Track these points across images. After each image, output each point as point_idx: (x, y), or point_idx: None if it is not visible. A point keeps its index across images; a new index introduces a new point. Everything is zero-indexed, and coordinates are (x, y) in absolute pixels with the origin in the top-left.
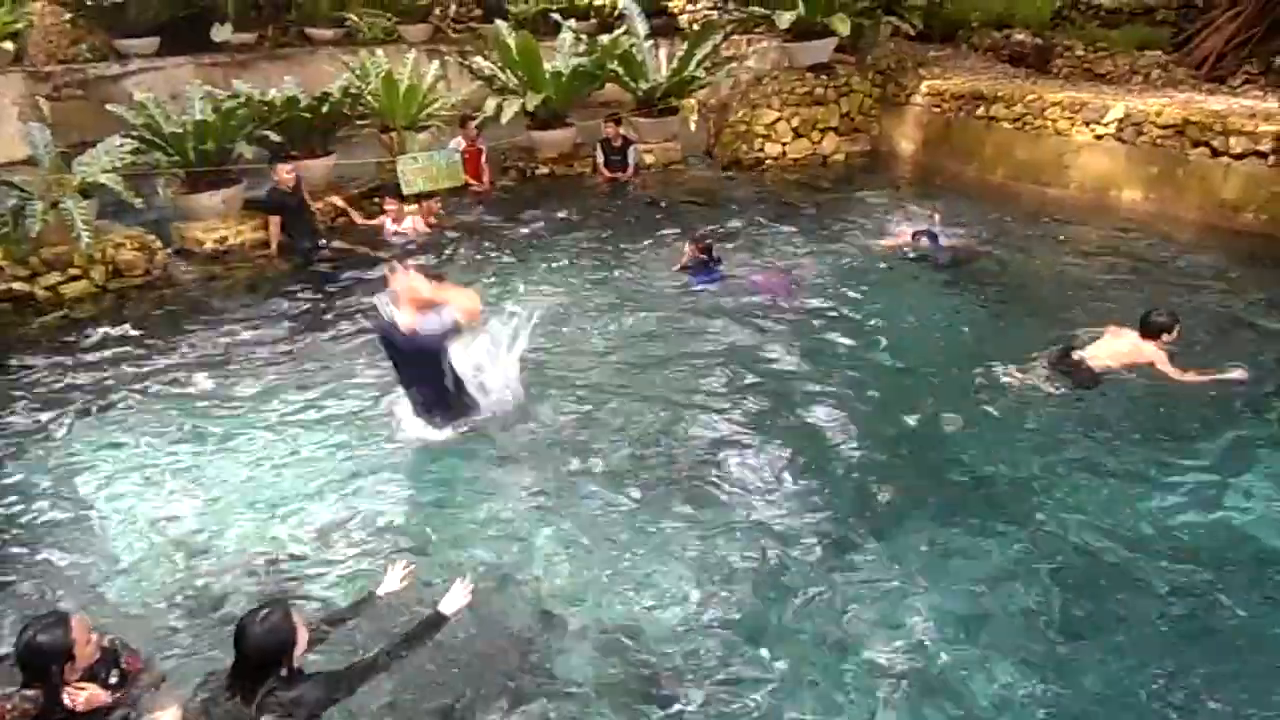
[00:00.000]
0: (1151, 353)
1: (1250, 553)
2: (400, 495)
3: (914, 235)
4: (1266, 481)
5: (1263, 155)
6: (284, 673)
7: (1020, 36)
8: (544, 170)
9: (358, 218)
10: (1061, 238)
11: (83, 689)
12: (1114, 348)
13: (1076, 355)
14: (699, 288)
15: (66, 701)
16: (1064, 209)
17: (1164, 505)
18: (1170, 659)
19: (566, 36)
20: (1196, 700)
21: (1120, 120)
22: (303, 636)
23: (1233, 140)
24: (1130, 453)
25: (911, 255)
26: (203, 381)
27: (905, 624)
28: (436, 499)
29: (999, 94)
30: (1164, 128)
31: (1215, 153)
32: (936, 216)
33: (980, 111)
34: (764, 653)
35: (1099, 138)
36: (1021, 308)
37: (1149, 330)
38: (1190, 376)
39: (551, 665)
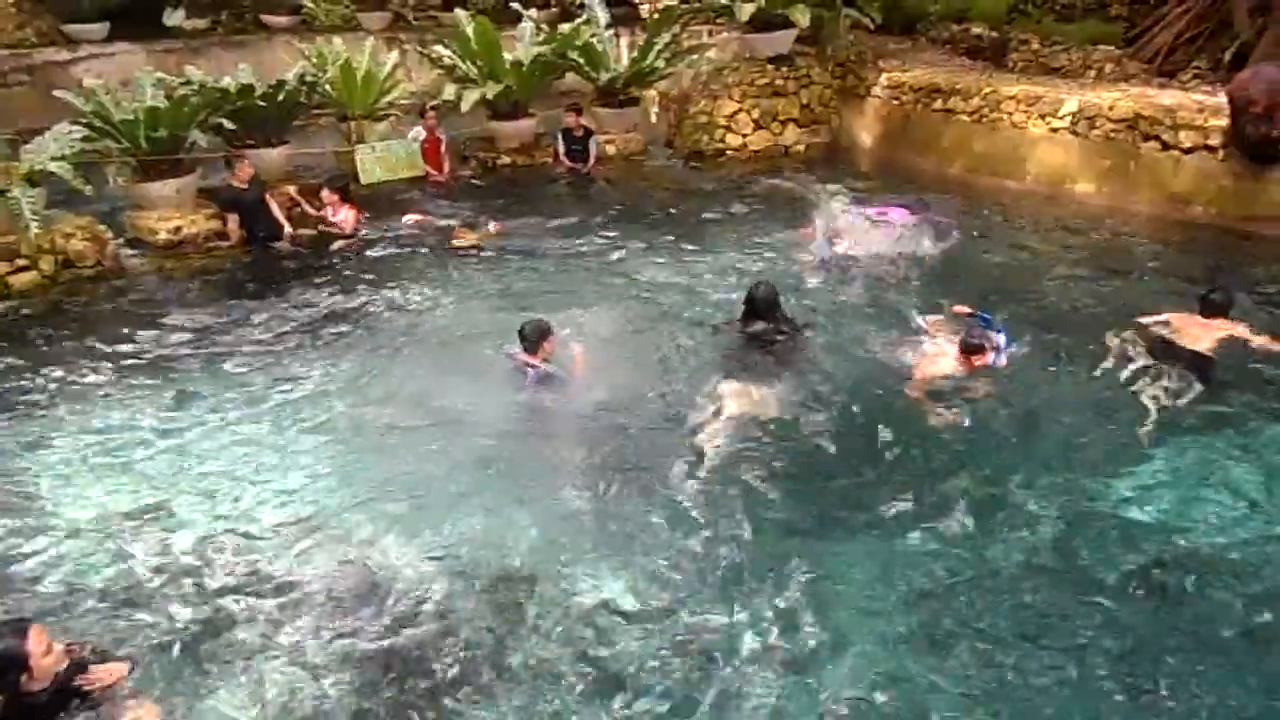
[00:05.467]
0: (1230, 327)
1: None
2: (343, 484)
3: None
4: None
5: (1212, 149)
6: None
7: (977, 30)
8: (505, 161)
9: (311, 209)
10: (1018, 230)
11: None
12: (1197, 334)
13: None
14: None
15: None
16: (1020, 202)
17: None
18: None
19: (527, 25)
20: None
21: (1074, 114)
22: (43, 661)
23: (1182, 134)
24: None
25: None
26: (152, 373)
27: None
28: (375, 486)
29: (957, 87)
30: (1116, 121)
31: (1166, 146)
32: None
33: (938, 104)
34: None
35: (1054, 131)
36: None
37: (1214, 309)
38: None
39: (511, 652)
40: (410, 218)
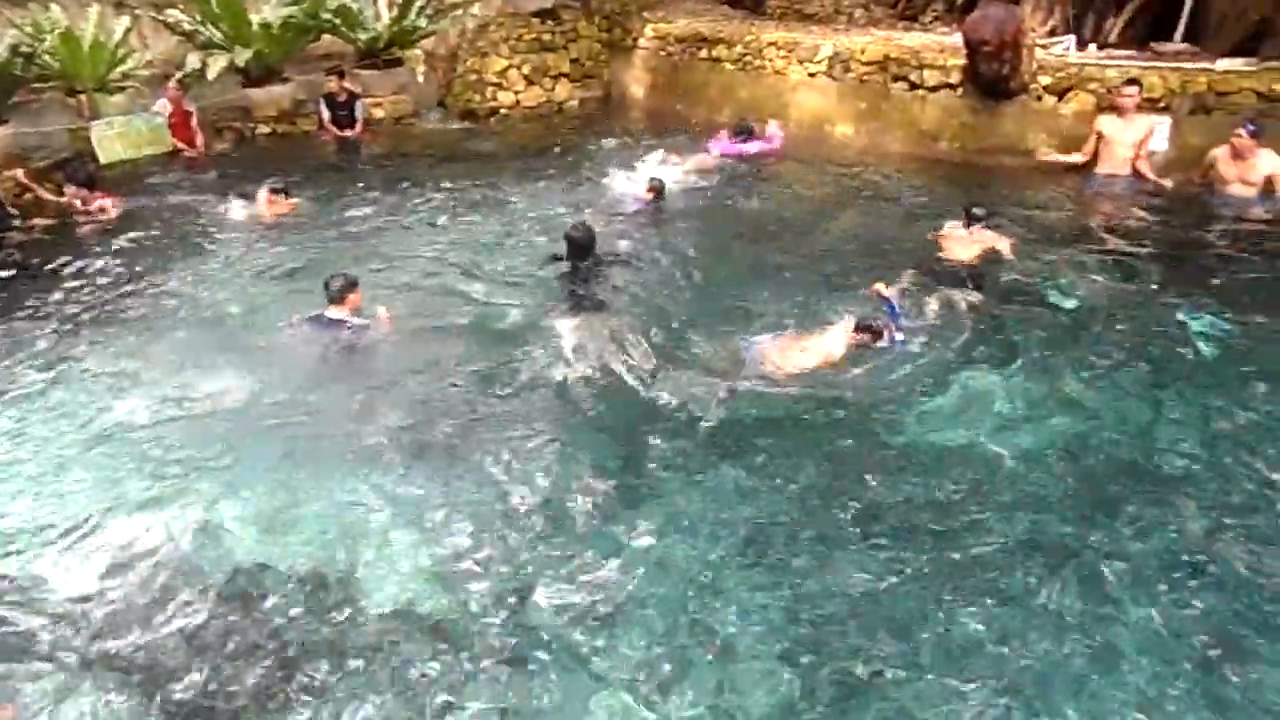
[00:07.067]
0: (992, 238)
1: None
2: (115, 482)
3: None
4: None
5: (953, 87)
6: None
7: None
8: (264, 130)
9: (45, 194)
10: (788, 172)
11: None
12: (964, 246)
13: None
14: None
15: None
16: (787, 145)
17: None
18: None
19: None
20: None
21: (830, 58)
22: None
23: (927, 74)
24: None
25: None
26: None
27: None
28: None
29: (720, 36)
30: (868, 64)
31: (913, 86)
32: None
33: (704, 54)
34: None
35: (812, 76)
36: (747, 241)
37: (976, 221)
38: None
39: (311, 655)
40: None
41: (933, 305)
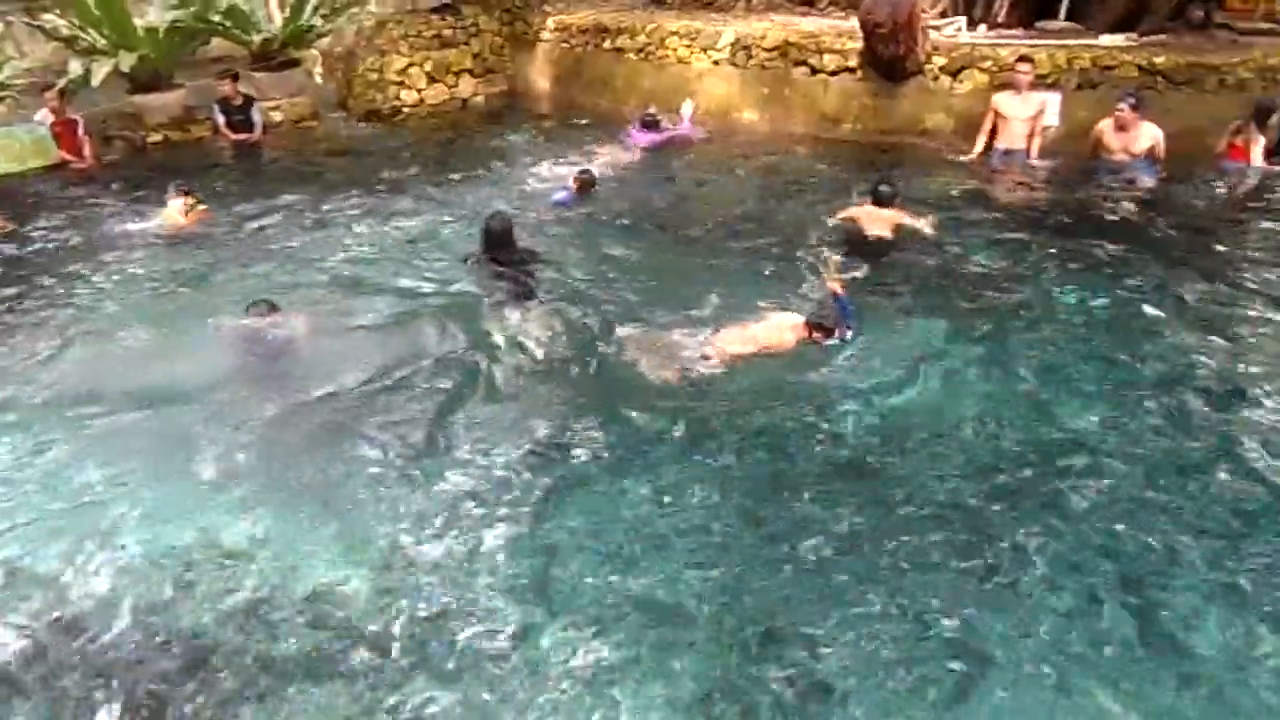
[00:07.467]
0: (900, 215)
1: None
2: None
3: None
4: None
5: (852, 70)
6: None
7: None
8: (156, 138)
9: None
10: (697, 159)
11: None
12: (875, 221)
13: (868, 233)
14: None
15: None
16: (695, 133)
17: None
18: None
19: None
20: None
21: (733, 45)
22: None
23: (827, 58)
24: None
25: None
26: None
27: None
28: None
29: (622, 26)
30: (769, 50)
31: (814, 71)
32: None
33: (607, 44)
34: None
35: (716, 63)
36: (670, 230)
37: (884, 199)
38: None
39: (249, 641)
40: None
41: (848, 283)
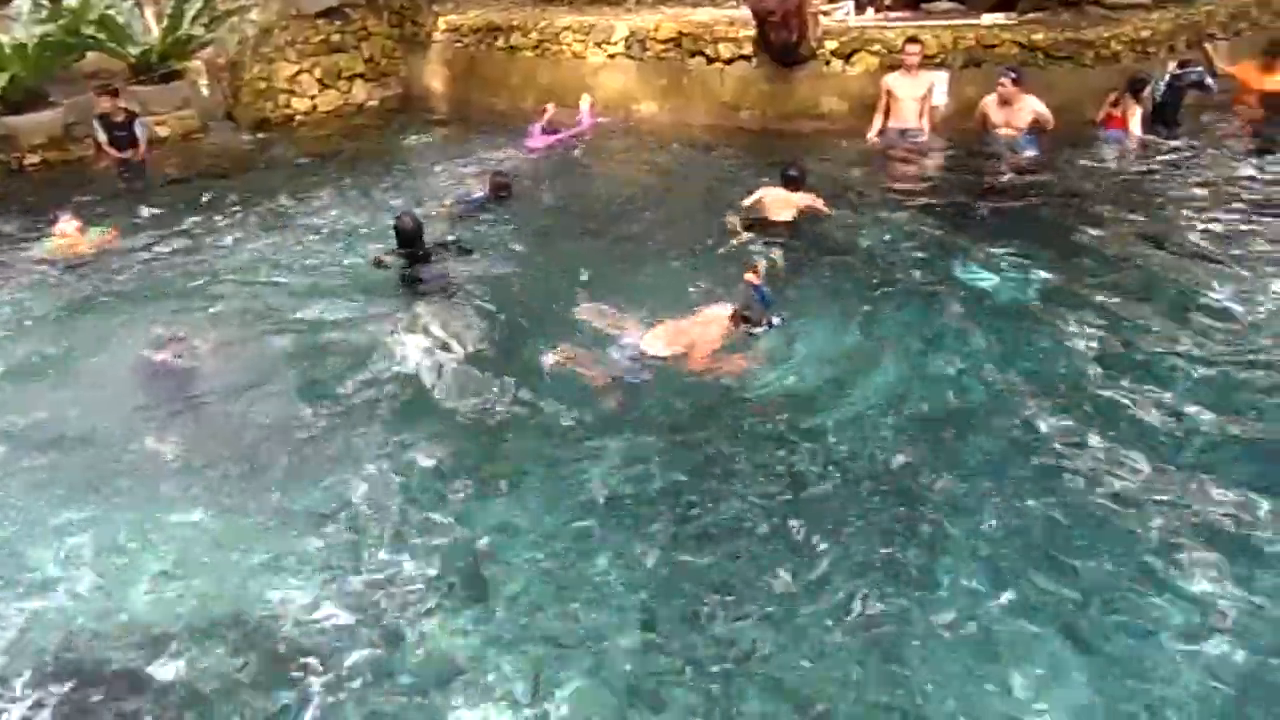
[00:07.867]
0: (807, 198)
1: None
2: None
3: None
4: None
5: (747, 58)
6: None
7: None
8: (33, 160)
9: None
10: (601, 154)
11: None
12: (783, 205)
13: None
14: None
15: None
16: (597, 123)
17: None
18: None
19: (23, 3)
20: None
21: (627, 38)
22: None
23: (721, 47)
24: None
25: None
26: None
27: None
28: None
29: (514, 23)
30: (664, 42)
31: (710, 60)
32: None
33: (500, 42)
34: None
35: (611, 57)
36: (581, 227)
37: (793, 182)
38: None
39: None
40: None
41: (762, 267)
